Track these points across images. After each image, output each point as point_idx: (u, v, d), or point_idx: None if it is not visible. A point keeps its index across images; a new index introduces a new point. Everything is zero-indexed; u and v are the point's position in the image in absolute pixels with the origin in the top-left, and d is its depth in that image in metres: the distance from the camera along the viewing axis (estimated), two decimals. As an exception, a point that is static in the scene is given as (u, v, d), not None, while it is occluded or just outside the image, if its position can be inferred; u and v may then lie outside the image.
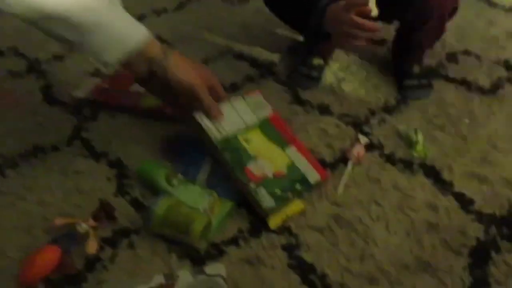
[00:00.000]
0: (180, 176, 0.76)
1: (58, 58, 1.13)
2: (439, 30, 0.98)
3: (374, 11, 0.89)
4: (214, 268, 0.66)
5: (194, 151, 0.80)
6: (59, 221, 0.71)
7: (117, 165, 0.84)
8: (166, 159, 0.84)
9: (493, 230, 0.72)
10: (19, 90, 1.04)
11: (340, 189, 0.79)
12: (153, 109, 0.95)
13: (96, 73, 1.04)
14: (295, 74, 1.04)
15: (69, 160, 0.86)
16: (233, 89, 1.02)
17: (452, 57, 1.09)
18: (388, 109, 0.96)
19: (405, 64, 1.01)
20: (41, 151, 0.88)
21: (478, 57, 1.09)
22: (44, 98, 1.02)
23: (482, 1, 1.29)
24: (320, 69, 1.03)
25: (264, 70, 1.07)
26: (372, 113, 0.95)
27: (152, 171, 0.78)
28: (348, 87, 1.02)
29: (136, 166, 0.82)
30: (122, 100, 0.97)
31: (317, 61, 1.03)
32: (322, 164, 0.82)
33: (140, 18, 1.26)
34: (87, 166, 0.85)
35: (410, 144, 0.87)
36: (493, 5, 1.27)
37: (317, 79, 1.02)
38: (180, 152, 0.82)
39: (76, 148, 0.89)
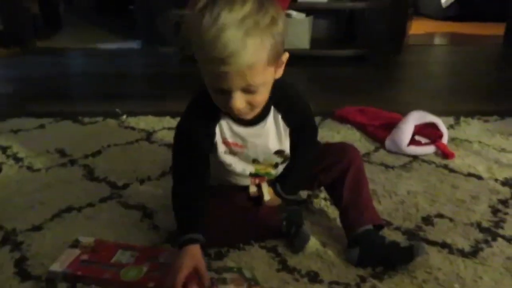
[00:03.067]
0: None
1: (37, 228, 1.10)
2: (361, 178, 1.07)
3: (266, 196, 1.03)
4: None
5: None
6: None
7: None
8: None
9: None
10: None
11: None
12: (134, 282, 0.90)
13: (76, 244, 1.01)
14: None
15: None
16: (219, 257, 1.00)
17: (427, 220, 1.14)
18: (377, 275, 0.95)
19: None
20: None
21: (451, 220, 1.15)
22: (17, 272, 0.95)
23: (441, 168, 1.42)
24: None
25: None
26: (363, 279, 0.93)
27: None
28: (334, 251, 1.02)
29: None
30: (102, 273, 0.92)
31: None
32: None
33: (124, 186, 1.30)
34: None
35: (406, 313, 0.84)
36: (453, 171, 1.39)
37: None
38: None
39: (46, 331, 0.80)
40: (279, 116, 0.96)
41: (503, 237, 1.08)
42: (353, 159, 1.07)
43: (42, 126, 1.73)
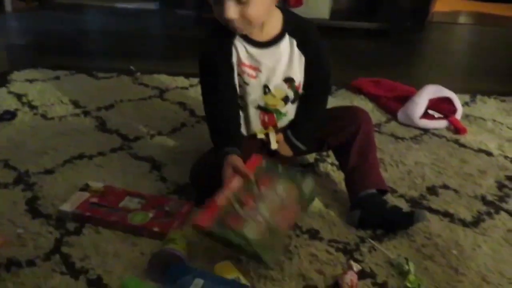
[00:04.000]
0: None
1: (49, 171, 1.13)
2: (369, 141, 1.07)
3: (274, 145, 1.04)
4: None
5: (182, 269, 0.77)
6: None
7: (97, 283, 0.79)
8: (151, 277, 0.79)
9: None
10: (1, 201, 1.01)
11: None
12: (141, 226, 0.93)
13: (85, 188, 1.04)
14: None
15: (45, 276, 0.81)
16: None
17: (432, 190, 1.15)
18: (377, 237, 0.96)
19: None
20: (15, 265, 0.82)
21: (456, 191, 1.15)
22: (28, 210, 0.99)
23: (452, 142, 1.41)
24: None
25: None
26: (362, 240, 0.95)
27: (136, 290, 0.73)
28: (336, 212, 1.04)
29: (118, 284, 0.77)
30: (109, 216, 0.95)
31: None
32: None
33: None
34: (64, 284, 0.79)
35: (402, 273, 0.86)
36: (463, 146, 1.38)
37: None
38: (167, 271, 0.77)
39: (54, 263, 0.84)
40: (294, 43, 1.00)
41: (506, 211, 1.08)
42: (363, 123, 1.07)
43: (57, 78, 1.75)
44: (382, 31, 2.65)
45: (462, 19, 3.49)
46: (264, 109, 1.04)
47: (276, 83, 1.02)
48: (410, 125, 1.49)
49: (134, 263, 0.85)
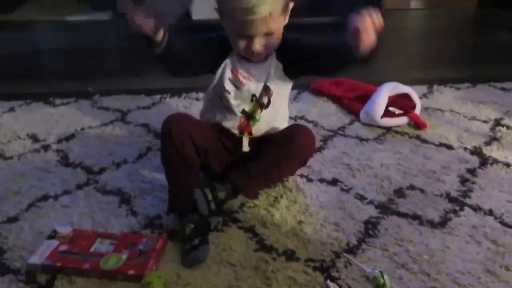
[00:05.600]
0: None
1: (13, 219, 1.09)
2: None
3: (246, 148, 1.14)
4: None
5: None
6: None
7: None
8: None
9: None
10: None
11: None
12: (115, 270, 0.92)
13: (53, 235, 1.01)
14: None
15: None
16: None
17: (399, 193, 1.18)
18: (351, 250, 0.99)
19: None
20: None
21: (422, 191, 1.19)
22: (-5, 266, 0.95)
23: (414, 138, 1.45)
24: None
25: (228, 218, 1.09)
26: (337, 255, 0.97)
27: None
28: (308, 229, 1.05)
29: None
30: (82, 263, 0.93)
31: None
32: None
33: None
34: None
35: (378, 287, 0.88)
36: (425, 141, 1.43)
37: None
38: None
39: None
40: (274, 55, 1.10)
41: (470, 206, 1.13)
42: (308, 157, 1.18)
43: (12, 110, 1.68)
44: (337, 25, 2.67)
45: (413, 4, 3.57)
46: (246, 114, 1.12)
47: (259, 91, 1.11)
48: (373, 124, 1.52)
49: (112, 311, 0.84)
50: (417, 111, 1.56)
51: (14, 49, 2.50)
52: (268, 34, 1.00)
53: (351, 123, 1.56)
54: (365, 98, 1.59)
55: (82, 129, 1.53)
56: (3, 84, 1.95)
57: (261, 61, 1.09)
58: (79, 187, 1.22)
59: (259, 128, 1.15)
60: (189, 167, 1.06)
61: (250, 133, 1.15)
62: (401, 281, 0.91)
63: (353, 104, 1.63)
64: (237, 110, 1.12)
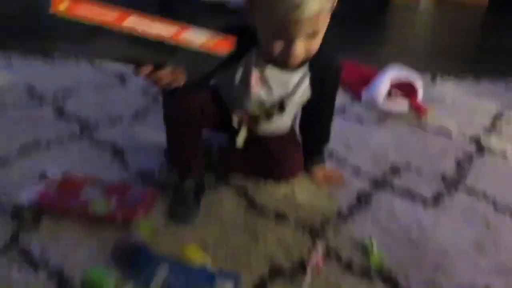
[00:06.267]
0: (131, 284, 0.70)
1: (3, 161, 1.08)
2: None
3: (240, 143, 1.04)
4: None
5: (147, 256, 0.75)
6: None
7: (58, 275, 0.76)
8: (115, 266, 0.77)
9: None
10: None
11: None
12: (101, 217, 0.90)
13: (43, 176, 0.99)
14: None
15: (2, 271, 0.77)
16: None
17: (395, 170, 1.18)
18: (342, 217, 0.98)
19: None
20: (-31, 260, 0.78)
21: (418, 171, 1.18)
22: (-18, 203, 0.94)
23: (414, 126, 1.44)
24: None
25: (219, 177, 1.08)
26: (327, 221, 0.96)
27: (99, 280, 0.71)
28: (302, 195, 1.04)
29: (81, 275, 0.74)
30: (69, 204, 0.92)
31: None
32: (280, 273, 0.80)
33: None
34: (23, 276, 0.75)
35: (366, 252, 0.88)
36: (425, 128, 1.42)
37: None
38: (131, 258, 0.76)
39: (12, 256, 0.81)
40: (308, 78, 0.96)
41: (464, 187, 1.12)
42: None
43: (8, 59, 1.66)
44: (343, 14, 2.66)
45: (424, 1, 3.56)
46: (248, 114, 1.02)
47: (270, 103, 0.99)
48: (374, 106, 1.51)
49: (97, 254, 0.82)
50: (419, 97, 1.55)
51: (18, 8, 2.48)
52: (311, 36, 0.83)
53: (352, 104, 1.55)
54: (366, 81, 1.58)
55: (80, 85, 1.51)
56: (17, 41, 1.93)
57: (290, 68, 0.92)
58: (72, 138, 1.21)
59: (262, 129, 1.05)
60: (194, 126, 0.98)
61: (250, 129, 1.04)
62: (390, 249, 0.90)
63: (355, 87, 1.62)
64: (238, 105, 1.00)
